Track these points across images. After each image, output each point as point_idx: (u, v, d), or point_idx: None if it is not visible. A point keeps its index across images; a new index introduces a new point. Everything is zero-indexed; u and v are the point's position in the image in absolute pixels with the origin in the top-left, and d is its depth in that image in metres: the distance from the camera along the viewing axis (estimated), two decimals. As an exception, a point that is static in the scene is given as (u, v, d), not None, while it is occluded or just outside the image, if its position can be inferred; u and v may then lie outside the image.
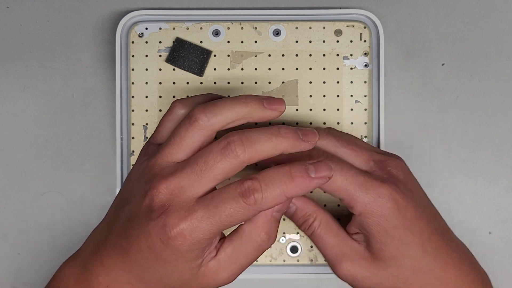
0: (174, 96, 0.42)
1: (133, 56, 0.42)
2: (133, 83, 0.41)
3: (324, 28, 0.41)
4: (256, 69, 0.42)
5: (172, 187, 0.30)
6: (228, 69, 0.42)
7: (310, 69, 0.42)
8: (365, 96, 0.42)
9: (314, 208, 0.37)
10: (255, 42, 0.42)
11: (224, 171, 0.30)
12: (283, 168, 0.30)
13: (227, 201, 0.30)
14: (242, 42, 0.42)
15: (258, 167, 0.40)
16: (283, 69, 0.42)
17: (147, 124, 0.41)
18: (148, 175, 0.32)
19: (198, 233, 0.30)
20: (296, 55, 0.42)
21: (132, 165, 0.41)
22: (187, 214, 0.30)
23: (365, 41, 0.42)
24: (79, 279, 0.32)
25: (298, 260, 0.42)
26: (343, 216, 0.41)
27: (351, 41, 0.41)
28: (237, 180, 0.30)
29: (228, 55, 0.42)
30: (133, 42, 0.42)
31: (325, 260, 0.37)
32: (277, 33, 0.42)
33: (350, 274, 0.36)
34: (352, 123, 0.41)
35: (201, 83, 0.42)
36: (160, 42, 0.42)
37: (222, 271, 0.32)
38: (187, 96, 0.41)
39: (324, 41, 0.42)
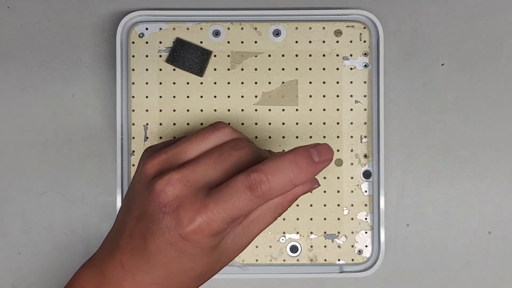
0: (174, 96, 0.42)
1: (133, 56, 0.42)
2: (133, 83, 0.42)
3: (324, 28, 0.42)
4: (256, 69, 0.42)
5: (185, 180, 0.30)
6: (228, 69, 0.42)
7: (310, 69, 0.42)
8: (365, 96, 0.42)
9: None
10: (255, 42, 0.42)
11: (234, 164, 0.31)
12: (288, 157, 0.30)
13: (235, 194, 0.30)
14: (242, 42, 0.42)
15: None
16: (283, 69, 0.42)
17: (147, 124, 0.42)
18: (158, 169, 0.32)
19: (214, 225, 0.30)
20: (296, 55, 0.42)
21: (133, 165, 0.41)
22: (201, 207, 0.30)
23: (364, 41, 0.42)
24: (99, 285, 0.32)
25: (298, 260, 0.42)
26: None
27: (351, 41, 0.42)
28: (242, 173, 0.30)
29: (228, 55, 0.42)
30: (133, 42, 0.42)
31: None
32: (277, 33, 0.42)
33: None
34: (352, 123, 0.42)
35: (201, 83, 0.42)
36: (160, 42, 0.42)
37: (239, 241, 0.32)
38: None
39: (324, 42, 0.42)
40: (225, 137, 0.32)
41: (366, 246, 0.42)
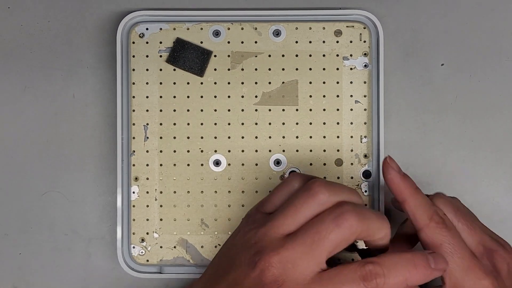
0: (174, 97, 0.42)
1: (133, 56, 0.42)
2: (133, 83, 0.42)
3: (324, 28, 0.42)
4: (256, 69, 0.42)
5: (284, 261, 0.30)
6: (229, 69, 0.42)
7: (310, 69, 0.42)
8: (365, 96, 0.42)
9: None
10: (255, 42, 0.42)
11: (335, 242, 0.30)
12: (405, 255, 0.30)
13: (346, 282, 0.29)
14: (242, 42, 0.42)
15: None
16: (283, 69, 0.42)
17: (147, 124, 0.42)
18: (257, 245, 0.31)
19: None
20: (296, 55, 0.42)
21: (133, 165, 0.41)
22: None
23: (364, 41, 0.42)
24: None
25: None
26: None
27: (351, 42, 0.42)
28: (356, 262, 0.30)
29: (229, 56, 0.42)
30: (133, 42, 0.42)
31: None
32: (277, 33, 0.42)
33: None
34: (352, 123, 0.42)
35: (202, 83, 0.42)
36: (160, 42, 0.42)
37: None
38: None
39: (324, 42, 0.42)
40: (320, 208, 0.31)
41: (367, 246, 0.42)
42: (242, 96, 0.42)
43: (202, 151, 0.42)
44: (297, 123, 0.42)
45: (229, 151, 0.42)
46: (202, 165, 0.42)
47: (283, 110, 0.42)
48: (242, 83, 0.42)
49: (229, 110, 0.42)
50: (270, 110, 0.42)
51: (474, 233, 0.35)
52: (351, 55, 0.42)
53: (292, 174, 0.35)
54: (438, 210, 0.35)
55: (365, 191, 0.42)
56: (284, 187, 0.34)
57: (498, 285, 0.33)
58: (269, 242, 0.31)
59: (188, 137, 0.42)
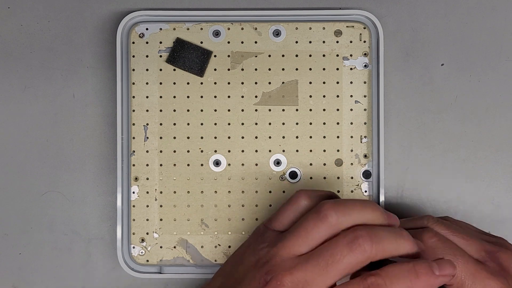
0: (174, 97, 0.42)
1: (133, 56, 0.42)
2: (133, 83, 0.42)
3: (324, 28, 0.42)
4: (256, 69, 0.42)
5: (296, 281, 0.30)
6: (228, 69, 0.42)
7: (310, 69, 0.42)
8: (365, 96, 0.42)
9: None
10: (255, 42, 0.42)
11: (349, 265, 0.30)
12: (406, 265, 0.30)
13: None
14: (242, 42, 0.42)
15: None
16: (283, 69, 0.42)
17: (147, 124, 0.42)
18: (269, 264, 0.31)
19: None
20: (296, 55, 0.42)
21: (133, 165, 0.41)
22: None
23: (364, 41, 0.42)
24: None
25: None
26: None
27: (351, 42, 0.42)
28: (359, 276, 0.30)
29: (228, 56, 0.42)
30: (133, 42, 0.42)
31: None
32: (277, 33, 0.42)
33: None
34: (351, 123, 0.42)
35: (202, 83, 0.42)
36: (160, 42, 0.42)
37: None
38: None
39: (324, 42, 0.42)
40: (330, 230, 0.32)
41: (366, 246, 0.42)
42: (242, 96, 0.42)
43: (202, 151, 0.42)
44: (297, 123, 0.42)
45: (229, 151, 0.42)
46: (202, 165, 0.42)
47: (283, 110, 0.42)
48: (242, 83, 0.42)
49: (229, 110, 0.42)
50: (270, 110, 0.42)
51: (472, 242, 0.36)
52: (351, 55, 0.42)
53: (299, 191, 0.35)
54: (430, 229, 0.35)
55: (365, 191, 0.42)
56: (292, 205, 0.35)
57: (509, 284, 0.34)
58: (281, 261, 0.31)
59: (188, 137, 0.42)
